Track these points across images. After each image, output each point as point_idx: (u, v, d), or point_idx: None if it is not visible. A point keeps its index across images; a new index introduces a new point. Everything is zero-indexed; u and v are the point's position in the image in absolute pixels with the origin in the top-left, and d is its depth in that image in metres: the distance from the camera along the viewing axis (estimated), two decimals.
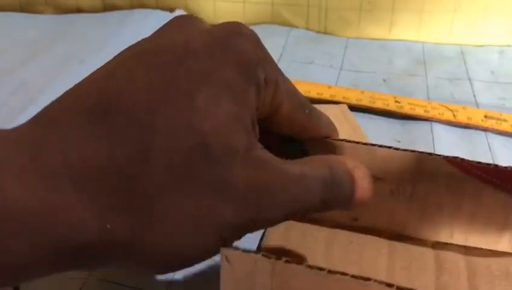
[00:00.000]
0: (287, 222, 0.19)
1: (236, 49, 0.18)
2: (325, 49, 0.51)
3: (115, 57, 0.19)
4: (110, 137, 0.16)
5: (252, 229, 0.19)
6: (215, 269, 0.27)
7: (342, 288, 0.16)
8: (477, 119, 0.39)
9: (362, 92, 0.42)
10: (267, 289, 0.17)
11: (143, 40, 0.20)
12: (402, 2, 0.51)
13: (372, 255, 0.24)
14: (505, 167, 0.22)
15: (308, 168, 0.19)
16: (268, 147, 0.19)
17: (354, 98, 0.41)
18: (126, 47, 0.19)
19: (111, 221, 0.16)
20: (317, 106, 0.23)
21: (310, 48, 0.51)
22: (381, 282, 0.16)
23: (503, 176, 0.22)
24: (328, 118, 0.24)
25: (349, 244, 0.25)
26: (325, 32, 0.54)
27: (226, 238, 0.18)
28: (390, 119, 0.40)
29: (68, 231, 0.15)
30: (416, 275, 0.23)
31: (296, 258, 0.24)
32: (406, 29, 0.52)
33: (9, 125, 0.17)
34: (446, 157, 0.23)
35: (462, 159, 0.22)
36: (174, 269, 0.19)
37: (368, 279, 0.16)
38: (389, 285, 0.16)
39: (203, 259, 0.18)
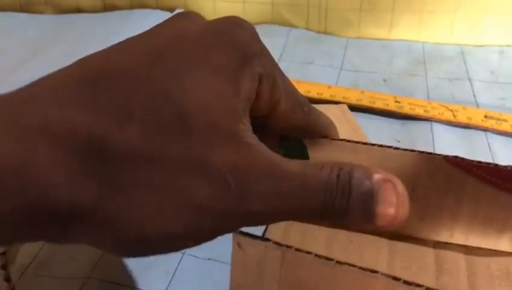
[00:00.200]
0: (287, 221, 0.19)
1: (232, 36, 0.18)
2: (325, 49, 0.51)
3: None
4: (95, 102, 0.16)
5: (230, 223, 0.17)
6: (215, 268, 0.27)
7: (349, 279, 0.16)
8: (477, 119, 0.39)
9: (362, 92, 0.42)
10: (276, 276, 0.17)
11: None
12: (402, 2, 0.51)
13: (372, 255, 0.24)
14: (505, 166, 0.22)
15: (310, 166, 0.17)
16: (267, 147, 0.18)
17: (354, 98, 0.41)
18: None
19: (80, 185, 0.15)
20: (317, 106, 0.23)
21: (310, 48, 0.51)
22: (388, 275, 0.16)
23: (503, 176, 0.22)
24: (327, 118, 0.24)
25: (350, 244, 0.25)
26: (325, 32, 0.54)
27: (202, 227, 0.16)
28: (390, 119, 0.40)
29: (36, 189, 0.15)
30: (417, 275, 0.23)
31: None
32: (406, 30, 0.52)
33: None
34: (446, 157, 0.23)
35: (462, 159, 0.22)
36: (137, 250, 0.17)
37: (375, 271, 0.16)
38: (396, 278, 0.16)
39: (169, 246, 0.17)
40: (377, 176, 0.17)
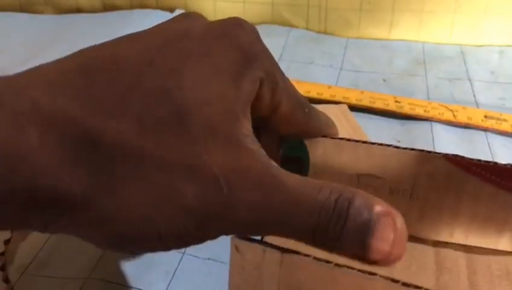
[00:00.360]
0: None
1: (234, 38, 0.18)
2: (325, 49, 0.51)
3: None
4: (88, 92, 0.16)
5: (217, 228, 0.17)
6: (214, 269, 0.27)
7: (348, 281, 0.16)
8: (477, 119, 0.39)
9: (362, 92, 0.42)
10: (274, 279, 0.17)
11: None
12: (402, 2, 0.51)
13: None
14: (505, 165, 0.22)
15: (308, 184, 0.17)
16: (268, 147, 0.18)
17: (354, 98, 0.41)
18: None
19: (70, 174, 0.15)
20: (317, 106, 0.23)
21: (310, 48, 0.51)
22: (386, 278, 0.16)
23: (503, 174, 0.22)
24: (327, 118, 0.24)
25: None
26: (325, 32, 0.54)
27: (186, 227, 0.16)
28: (390, 119, 0.40)
29: (24, 174, 0.15)
30: (417, 275, 0.23)
31: None
32: (406, 29, 0.52)
33: None
34: (446, 156, 0.23)
35: (462, 157, 0.22)
36: (122, 245, 0.17)
37: (374, 274, 0.16)
38: (394, 281, 0.16)
39: (154, 246, 0.17)
40: (378, 208, 0.16)
